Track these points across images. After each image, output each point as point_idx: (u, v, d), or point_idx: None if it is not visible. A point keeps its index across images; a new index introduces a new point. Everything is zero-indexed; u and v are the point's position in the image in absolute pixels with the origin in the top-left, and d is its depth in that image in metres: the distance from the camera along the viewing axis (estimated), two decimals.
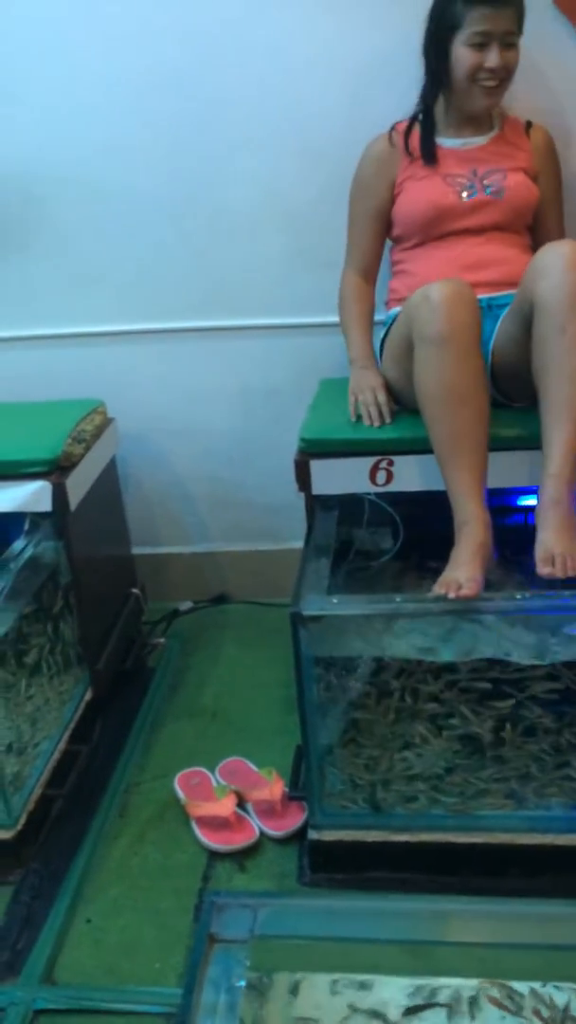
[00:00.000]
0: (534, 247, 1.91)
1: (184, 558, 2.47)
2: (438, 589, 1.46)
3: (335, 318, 2.00)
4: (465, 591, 1.42)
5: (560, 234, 1.92)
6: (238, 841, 1.62)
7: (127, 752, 1.90)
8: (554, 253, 1.53)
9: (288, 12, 1.94)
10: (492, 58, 1.71)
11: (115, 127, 2.06)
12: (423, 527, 1.75)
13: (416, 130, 1.86)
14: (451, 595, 1.42)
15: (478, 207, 1.81)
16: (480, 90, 1.76)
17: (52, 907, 1.53)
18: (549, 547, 1.42)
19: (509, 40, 1.72)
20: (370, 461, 1.73)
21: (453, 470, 1.53)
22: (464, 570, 1.46)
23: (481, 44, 1.71)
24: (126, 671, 2.12)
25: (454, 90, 1.80)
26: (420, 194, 1.84)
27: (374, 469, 1.74)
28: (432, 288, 1.55)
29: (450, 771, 1.56)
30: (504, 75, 1.75)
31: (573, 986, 1.06)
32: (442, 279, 1.58)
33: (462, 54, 1.73)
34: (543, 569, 1.41)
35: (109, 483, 2.14)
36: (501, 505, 1.77)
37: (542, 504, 1.47)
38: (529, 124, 1.89)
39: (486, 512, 1.51)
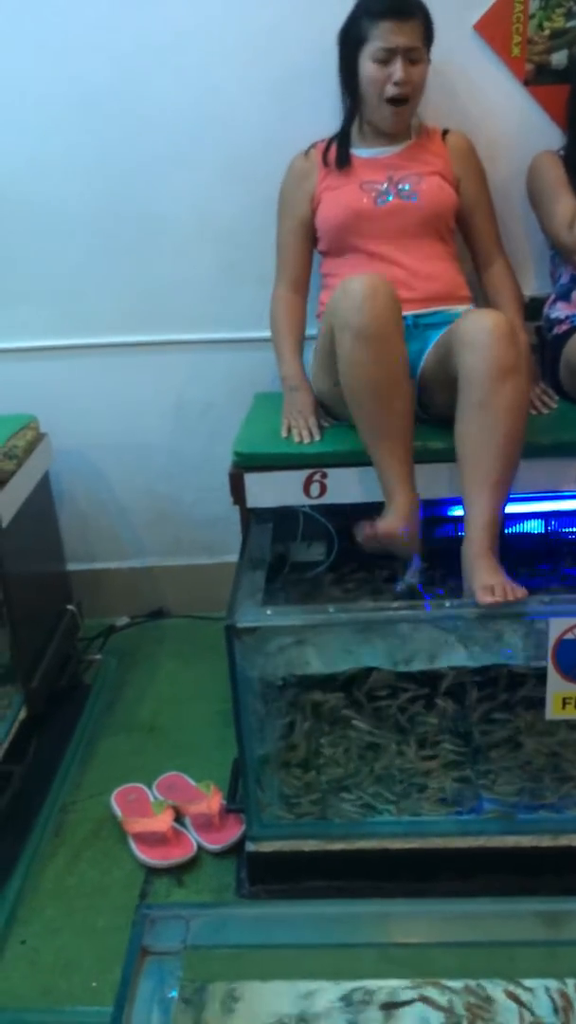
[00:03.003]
0: (471, 251, 1.97)
1: (121, 573, 2.45)
2: (371, 530, 1.61)
3: (268, 332, 2.02)
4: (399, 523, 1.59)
5: (493, 239, 1.96)
6: (176, 856, 1.61)
7: (63, 770, 1.88)
8: (479, 326, 1.57)
9: (213, 33, 1.97)
10: (397, 72, 1.76)
11: (43, 142, 2.06)
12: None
13: (334, 145, 1.91)
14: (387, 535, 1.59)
15: (394, 211, 1.85)
16: (388, 106, 1.80)
17: None
18: (485, 580, 1.46)
19: (414, 56, 1.77)
20: (304, 474, 1.76)
21: (383, 460, 1.61)
22: (397, 520, 1.61)
23: (385, 59, 1.76)
24: (62, 688, 2.10)
25: (365, 105, 1.85)
26: (336, 201, 1.88)
27: (308, 481, 1.76)
28: (351, 282, 1.59)
29: (386, 778, 1.59)
30: (410, 90, 1.79)
31: (502, 982, 1.09)
32: (362, 276, 1.61)
33: (368, 68, 1.78)
34: (485, 598, 1.43)
35: (42, 499, 2.11)
36: (431, 516, 1.81)
37: (468, 559, 1.51)
38: (446, 131, 1.93)
39: (414, 494, 1.61)
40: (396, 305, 1.61)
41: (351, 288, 1.58)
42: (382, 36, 1.74)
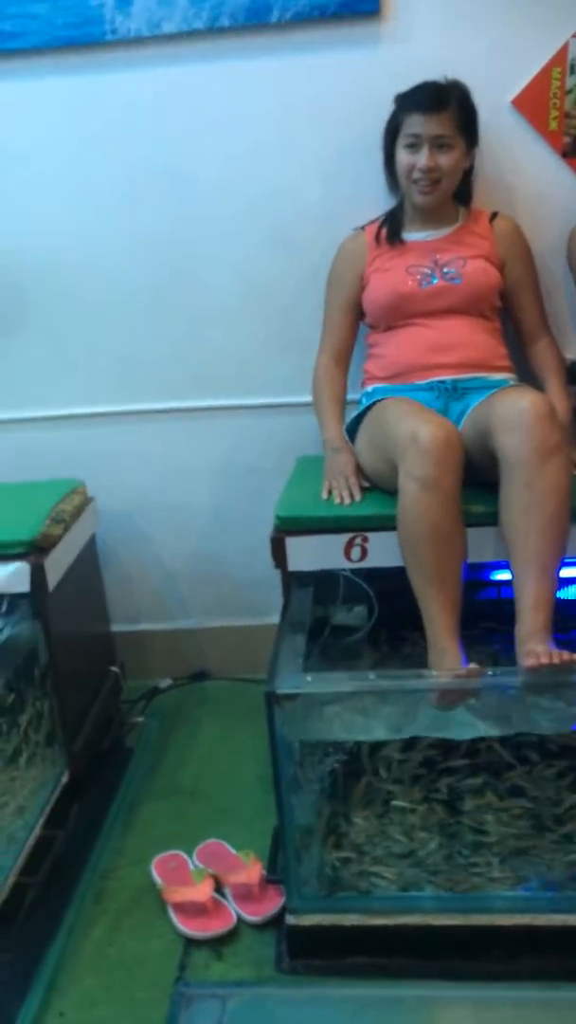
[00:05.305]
0: (516, 329, 2.01)
1: (164, 635, 2.47)
2: (441, 699, 1.49)
3: (310, 397, 2.06)
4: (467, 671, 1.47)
5: (538, 317, 2.00)
6: (215, 927, 1.59)
7: (103, 836, 1.87)
8: (518, 407, 1.59)
9: (265, 112, 2.05)
10: (421, 159, 1.84)
11: (97, 219, 2.15)
12: (397, 602, 1.76)
13: (385, 227, 1.97)
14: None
15: (438, 293, 1.90)
16: (416, 188, 1.88)
17: (25, 1000, 1.49)
18: (531, 647, 1.46)
19: (442, 143, 1.83)
20: (345, 538, 1.76)
21: (433, 607, 1.58)
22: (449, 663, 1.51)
23: (413, 146, 1.84)
24: (104, 751, 2.10)
25: (402, 188, 1.93)
26: (383, 283, 1.94)
27: (349, 545, 1.77)
28: (421, 431, 1.61)
29: (429, 854, 1.55)
30: (437, 175, 1.86)
31: None
32: (431, 422, 1.63)
33: (400, 156, 1.88)
34: (528, 661, 1.43)
35: (88, 562, 2.15)
36: (472, 579, 1.79)
37: (520, 641, 1.49)
38: (495, 215, 1.98)
39: (460, 652, 1.54)
40: (461, 456, 1.64)
41: (421, 438, 1.60)
42: (410, 125, 1.84)
